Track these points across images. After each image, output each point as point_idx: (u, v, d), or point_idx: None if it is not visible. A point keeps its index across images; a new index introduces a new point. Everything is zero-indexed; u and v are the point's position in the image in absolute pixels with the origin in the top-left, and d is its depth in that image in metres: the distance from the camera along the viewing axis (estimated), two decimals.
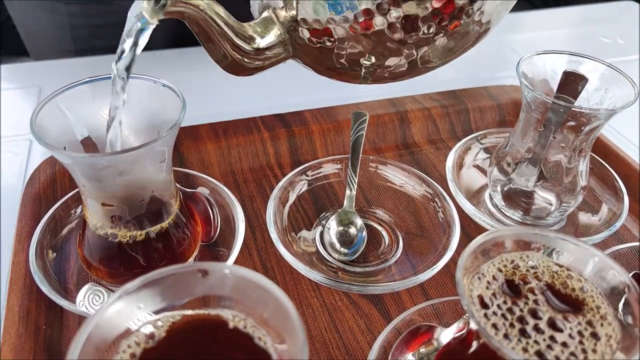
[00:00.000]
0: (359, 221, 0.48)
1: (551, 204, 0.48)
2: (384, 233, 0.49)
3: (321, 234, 0.48)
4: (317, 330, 0.42)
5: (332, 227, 0.47)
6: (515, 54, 0.79)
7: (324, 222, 0.49)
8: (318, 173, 0.52)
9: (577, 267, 0.31)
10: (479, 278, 0.30)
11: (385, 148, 0.59)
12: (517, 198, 0.49)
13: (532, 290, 0.30)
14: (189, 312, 0.28)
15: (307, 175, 0.51)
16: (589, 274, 0.30)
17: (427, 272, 0.42)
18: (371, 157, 0.53)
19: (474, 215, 0.49)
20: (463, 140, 0.55)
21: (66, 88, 0.39)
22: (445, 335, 0.35)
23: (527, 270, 0.31)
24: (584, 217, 0.51)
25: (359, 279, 0.45)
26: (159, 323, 0.27)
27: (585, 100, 0.46)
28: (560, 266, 0.31)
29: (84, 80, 0.40)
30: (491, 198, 0.51)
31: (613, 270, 0.29)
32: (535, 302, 0.29)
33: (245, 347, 0.26)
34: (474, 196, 0.52)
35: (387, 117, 0.60)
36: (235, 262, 0.46)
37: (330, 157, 0.53)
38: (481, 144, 0.55)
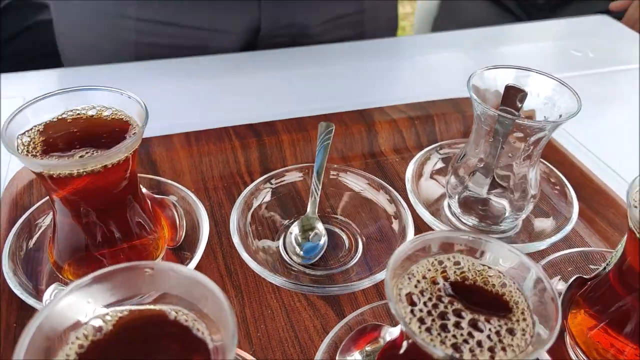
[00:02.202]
0: (320, 227, 0.50)
1: (504, 211, 0.51)
2: (345, 238, 0.51)
3: (285, 238, 0.50)
4: (275, 330, 0.44)
5: (295, 232, 0.50)
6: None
7: (288, 227, 0.51)
8: (284, 180, 0.54)
9: (499, 265, 0.33)
10: (409, 278, 0.32)
11: (352, 157, 0.62)
12: (473, 205, 0.51)
13: (456, 288, 0.32)
14: (136, 307, 0.30)
15: (273, 183, 0.53)
16: (510, 272, 0.33)
17: (381, 273, 0.45)
18: (335, 165, 0.56)
19: (431, 222, 0.51)
20: (422, 151, 0.57)
21: (37, 99, 0.41)
22: (391, 333, 0.37)
23: (454, 271, 0.33)
24: (538, 222, 0.53)
25: (318, 281, 0.47)
26: (108, 317, 0.29)
27: (536, 112, 0.49)
28: (484, 265, 0.33)
29: (55, 92, 0.42)
30: (449, 206, 0.54)
31: (533, 269, 0.31)
32: (459, 299, 0.31)
33: (184, 339, 0.29)
34: (433, 204, 0.55)
35: (355, 127, 0.63)
36: (201, 265, 0.48)
37: (296, 165, 0.56)
38: (440, 154, 0.58)
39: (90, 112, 0.43)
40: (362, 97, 0.70)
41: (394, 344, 0.35)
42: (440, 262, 0.33)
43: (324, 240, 0.49)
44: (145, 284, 0.30)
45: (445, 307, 0.31)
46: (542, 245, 0.50)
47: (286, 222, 0.52)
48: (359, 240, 0.51)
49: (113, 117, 0.42)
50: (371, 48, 0.87)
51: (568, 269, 0.48)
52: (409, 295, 0.31)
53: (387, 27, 0.98)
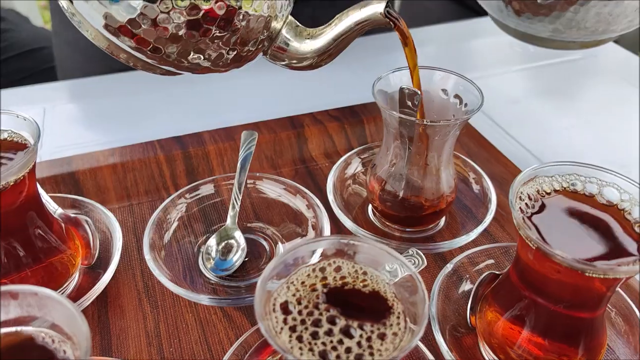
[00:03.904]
0: (239, 237, 0.50)
1: (423, 210, 0.50)
2: (267, 246, 0.51)
3: (204, 251, 0.50)
4: (188, 344, 0.44)
5: (212, 244, 0.50)
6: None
7: (207, 240, 0.51)
8: (204, 192, 0.54)
9: (380, 268, 0.33)
10: (288, 287, 0.32)
11: (282, 164, 0.62)
12: (393, 208, 0.51)
13: (335, 293, 0.32)
14: (4, 330, 0.30)
15: (188, 197, 0.53)
16: (389, 275, 0.32)
17: None
18: (257, 173, 0.55)
19: (353, 229, 0.51)
20: (343, 157, 0.57)
21: None
22: None
23: (334, 277, 0.33)
24: (459, 218, 0.53)
25: (236, 292, 0.47)
26: None
27: (445, 110, 0.49)
28: (364, 269, 0.33)
29: None
30: (372, 209, 0.54)
31: (405, 267, 0.31)
32: (336, 305, 0.31)
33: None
34: (358, 209, 0.54)
35: (284, 134, 0.63)
36: (119, 282, 0.48)
37: (218, 176, 0.55)
38: (360, 158, 0.58)
39: None
40: (293, 104, 0.70)
41: None
42: (322, 269, 0.33)
43: (239, 254, 0.49)
44: (12, 307, 0.29)
45: (320, 314, 0.31)
46: (462, 241, 0.50)
47: (206, 235, 0.52)
48: (280, 248, 0.51)
49: (9, 139, 0.42)
50: None
51: (486, 264, 0.48)
52: (284, 304, 0.31)
53: None
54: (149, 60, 0.39)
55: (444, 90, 0.48)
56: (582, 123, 0.72)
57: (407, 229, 0.52)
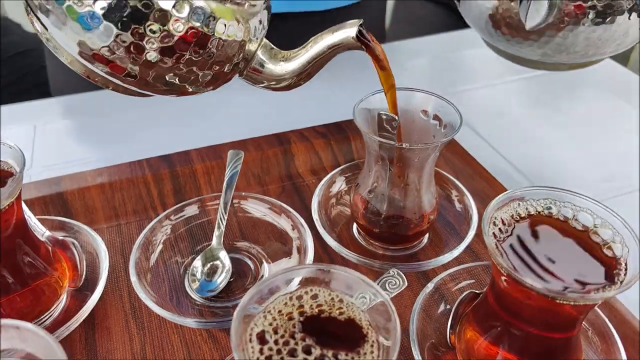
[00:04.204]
0: (224, 258, 0.51)
1: (408, 233, 0.51)
2: (252, 265, 0.52)
3: (190, 272, 0.51)
4: None
5: (198, 266, 0.50)
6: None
7: (193, 260, 0.52)
8: (189, 213, 0.55)
9: (356, 295, 0.34)
10: (265, 316, 0.33)
11: (269, 181, 0.62)
12: (377, 227, 0.52)
13: (311, 322, 0.33)
14: None
15: (173, 219, 0.54)
16: (364, 301, 0.33)
17: None
18: (243, 193, 0.56)
19: (337, 249, 0.52)
20: (328, 175, 0.58)
21: None
22: None
23: (311, 305, 0.33)
24: (444, 235, 0.54)
25: (222, 313, 0.48)
26: None
27: (426, 131, 0.50)
28: (340, 296, 0.34)
29: None
30: (357, 228, 0.54)
31: (379, 295, 0.32)
32: (312, 334, 0.32)
33: None
34: (343, 228, 0.55)
35: (271, 151, 0.63)
36: (106, 304, 0.49)
37: (204, 196, 0.56)
38: (345, 177, 0.59)
39: None
40: (280, 120, 0.70)
41: None
42: (299, 297, 0.34)
43: (224, 275, 0.49)
44: None
45: (296, 343, 0.32)
46: (445, 259, 0.51)
47: (192, 255, 0.52)
48: (265, 267, 0.52)
49: None
50: None
51: (468, 282, 0.49)
52: (261, 334, 0.32)
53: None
54: (125, 85, 0.39)
55: (424, 112, 0.49)
56: (567, 136, 0.73)
57: (391, 247, 0.53)
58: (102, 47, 0.36)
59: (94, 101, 0.79)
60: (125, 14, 0.35)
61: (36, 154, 0.68)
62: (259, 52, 0.43)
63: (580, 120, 0.76)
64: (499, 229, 0.37)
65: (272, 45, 0.45)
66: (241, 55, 0.42)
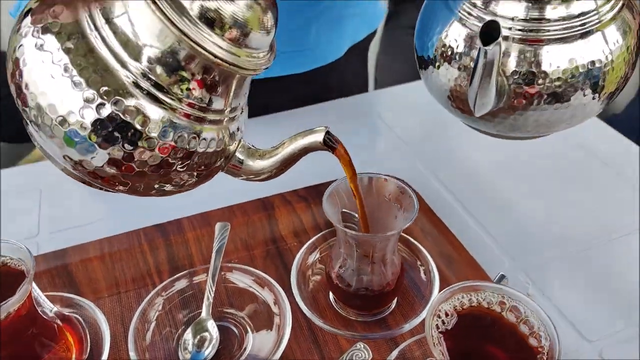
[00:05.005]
0: (212, 328, 0.57)
1: (376, 301, 0.57)
2: (238, 334, 0.58)
3: (182, 344, 0.56)
4: None
5: (189, 338, 0.56)
6: (401, 140, 0.87)
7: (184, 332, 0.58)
8: (179, 287, 0.61)
9: None
10: None
11: (255, 245, 0.68)
12: (349, 298, 0.58)
13: None
14: None
15: (164, 294, 0.59)
16: None
17: None
18: (229, 264, 0.62)
19: (311, 317, 0.57)
20: (306, 244, 0.64)
21: None
22: None
23: None
24: (412, 300, 0.60)
25: None
26: None
27: (391, 213, 0.56)
28: None
29: None
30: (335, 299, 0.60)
31: None
32: None
33: None
34: (320, 292, 0.61)
35: (256, 216, 0.69)
36: None
37: (197, 267, 0.62)
38: (319, 249, 0.65)
39: None
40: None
41: None
42: None
43: (211, 347, 0.55)
44: None
45: None
46: (411, 325, 0.57)
47: (183, 325, 0.58)
48: (250, 336, 0.57)
49: (8, 264, 0.49)
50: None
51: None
52: None
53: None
54: (104, 187, 0.45)
55: (387, 195, 0.55)
56: (536, 194, 0.77)
57: (364, 318, 0.58)
58: (84, 160, 0.40)
59: None
60: (112, 138, 0.39)
61: (42, 220, 0.74)
62: (238, 152, 0.49)
63: (553, 180, 0.79)
64: (442, 320, 0.43)
65: (250, 145, 0.50)
66: (222, 158, 0.47)
